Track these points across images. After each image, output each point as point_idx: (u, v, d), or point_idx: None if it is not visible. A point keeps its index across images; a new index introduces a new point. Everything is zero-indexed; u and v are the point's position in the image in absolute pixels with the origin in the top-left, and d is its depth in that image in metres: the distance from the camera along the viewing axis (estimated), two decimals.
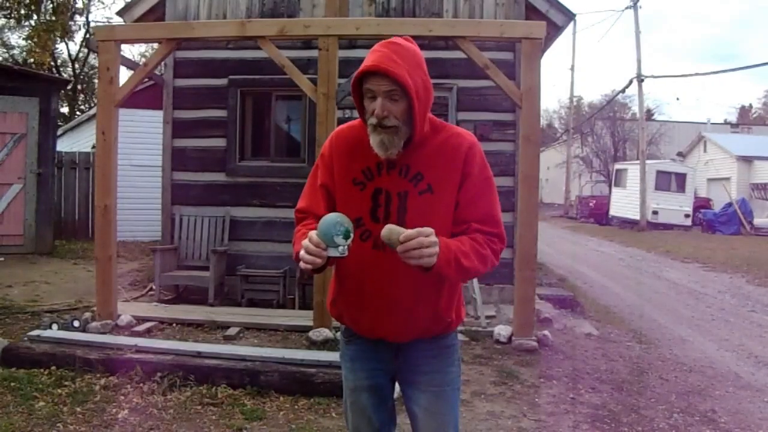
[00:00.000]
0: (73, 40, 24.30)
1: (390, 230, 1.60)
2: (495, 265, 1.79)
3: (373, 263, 1.78)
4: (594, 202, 26.18)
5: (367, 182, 1.80)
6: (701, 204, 23.19)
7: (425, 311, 1.81)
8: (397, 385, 1.97)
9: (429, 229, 1.59)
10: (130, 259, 9.37)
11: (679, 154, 32.39)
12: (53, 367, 4.21)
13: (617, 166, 26.27)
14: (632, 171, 22.87)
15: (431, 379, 1.88)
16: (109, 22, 19.39)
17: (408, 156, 1.77)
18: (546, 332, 5.46)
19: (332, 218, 1.65)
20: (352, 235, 1.64)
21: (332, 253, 1.63)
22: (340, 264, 1.81)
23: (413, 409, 1.91)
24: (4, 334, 4.98)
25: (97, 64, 8.10)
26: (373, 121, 1.71)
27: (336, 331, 5.08)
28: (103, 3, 33.43)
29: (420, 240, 1.57)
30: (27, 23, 19.64)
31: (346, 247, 1.63)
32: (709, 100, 79.99)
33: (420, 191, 1.77)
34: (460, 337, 5.15)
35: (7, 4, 18.78)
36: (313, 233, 1.65)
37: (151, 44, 13.33)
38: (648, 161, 22.15)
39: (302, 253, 1.66)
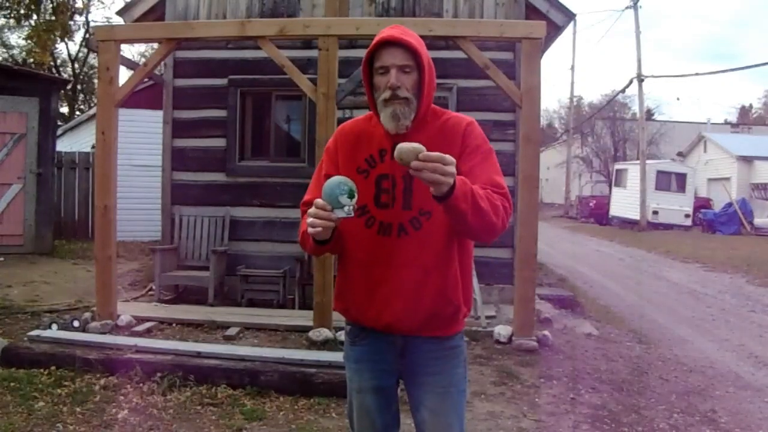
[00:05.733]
0: (72, 40, 24.29)
1: (401, 149, 1.54)
2: (505, 225, 1.73)
3: (378, 249, 1.81)
4: (594, 202, 26.18)
5: (371, 169, 1.84)
6: (701, 204, 23.17)
7: (432, 293, 1.81)
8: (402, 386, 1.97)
9: (450, 158, 1.54)
10: (130, 259, 9.36)
11: (679, 154, 32.35)
12: (53, 367, 4.21)
13: (617, 166, 26.27)
14: (632, 171, 22.87)
15: (437, 380, 1.87)
16: (109, 22, 19.36)
17: (411, 138, 1.78)
18: (546, 332, 5.46)
19: (335, 180, 1.67)
20: (356, 195, 1.66)
21: (339, 213, 1.64)
22: (346, 253, 1.85)
23: (419, 410, 1.90)
24: (4, 334, 4.98)
25: (97, 64, 8.09)
26: (386, 94, 1.76)
27: (336, 331, 5.08)
28: (103, 3, 33.62)
29: (441, 157, 1.52)
30: (27, 23, 19.62)
31: (351, 207, 1.65)
32: (709, 100, 79.98)
33: None
34: None
35: (7, 4, 18.78)
36: (318, 199, 1.66)
37: (151, 44, 13.32)
38: (648, 161, 22.15)
39: (310, 220, 1.65)
